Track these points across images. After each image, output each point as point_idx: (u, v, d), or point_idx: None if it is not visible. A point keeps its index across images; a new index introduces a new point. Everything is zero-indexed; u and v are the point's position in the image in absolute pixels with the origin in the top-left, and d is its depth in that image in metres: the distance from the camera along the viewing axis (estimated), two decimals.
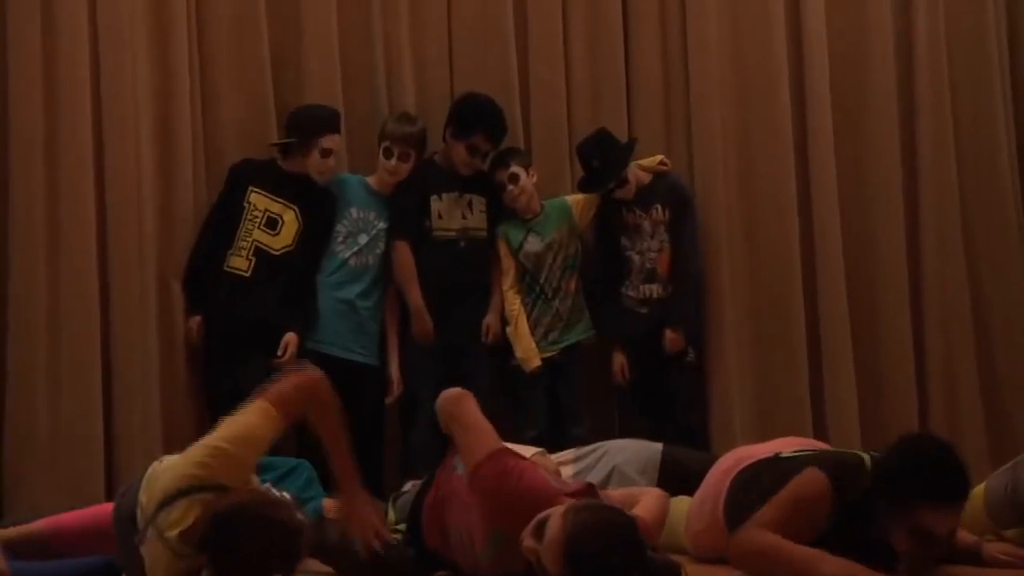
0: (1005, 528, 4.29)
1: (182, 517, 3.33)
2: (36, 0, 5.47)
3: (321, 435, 3.69)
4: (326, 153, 5.68)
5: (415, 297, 5.71)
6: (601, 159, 5.84)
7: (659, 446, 5.05)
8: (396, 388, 5.73)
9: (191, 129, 5.72)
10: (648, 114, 6.23)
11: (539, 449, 4.66)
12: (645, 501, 3.90)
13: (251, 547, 3.11)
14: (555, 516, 3.30)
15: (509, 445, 4.75)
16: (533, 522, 3.35)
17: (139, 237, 5.56)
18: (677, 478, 4.71)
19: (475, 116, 5.83)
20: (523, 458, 3.82)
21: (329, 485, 5.12)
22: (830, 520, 3.65)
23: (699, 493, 4.27)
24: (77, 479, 5.33)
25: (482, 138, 5.82)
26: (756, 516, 3.72)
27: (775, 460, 4.00)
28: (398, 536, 4.01)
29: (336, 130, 5.72)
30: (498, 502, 3.54)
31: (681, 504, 4.33)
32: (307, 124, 5.69)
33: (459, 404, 3.82)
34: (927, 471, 3.53)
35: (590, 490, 3.73)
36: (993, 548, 3.90)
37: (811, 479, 3.70)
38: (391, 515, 4.20)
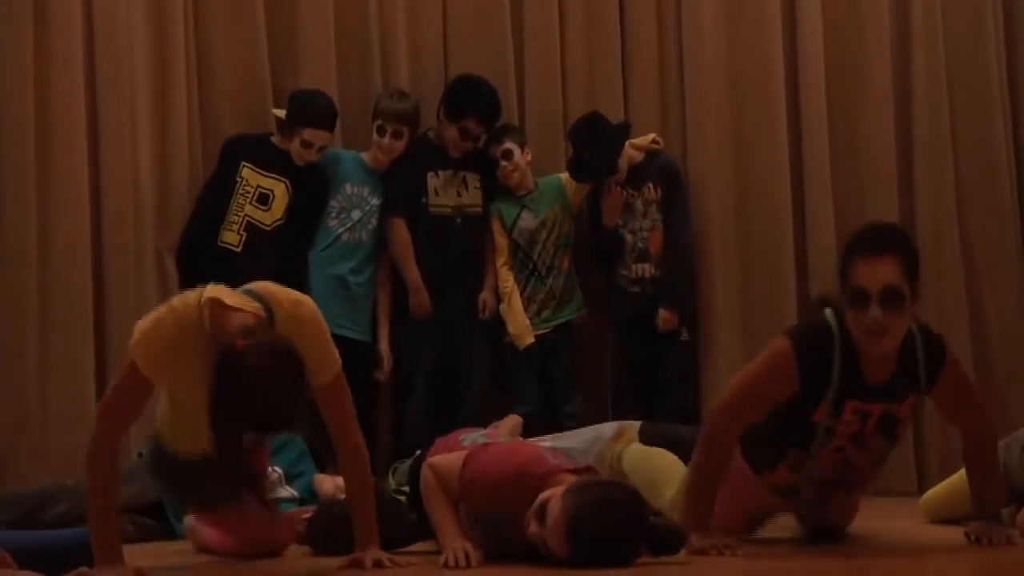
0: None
1: (234, 297, 3.42)
2: None
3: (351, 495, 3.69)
4: (306, 144, 5.66)
5: (413, 273, 5.71)
6: (592, 151, 5.80)
7: (637, 423, 5.12)
8: (387, 364, 5.73)
9: (187, 105, 5.73)
10: (643, 95, 6.22)
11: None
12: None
13: (252, 385, 3.15)
14: (555, 498, 3.29)
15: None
16: (535, 506, 3.34)
17: (135, 213, 5.58)
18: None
19: (468, 100, 5.82)
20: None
21: (319, 460, 5.16)
22: (803, 376, 3.63)
23: None
24: (69, 460, 5.31)
25: (474, 122, 5.81)
26: (729, 384, 3.79)
27: None
28: (401, 499, 4.00)
29: (321, 126, 5.67)
30: (499, 488, 3.51)
31: (662, 459, 4.32)
32: (295, 110, 5.71)
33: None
34: (852, 237, 3.65)
35: (589, 470, 3.72)
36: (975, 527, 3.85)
37: (774, 345, 3.70)
38: (391, 483, 4.20)
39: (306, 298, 3.57)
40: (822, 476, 3.79)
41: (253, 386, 3.13)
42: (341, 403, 3.55)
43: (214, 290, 3.41)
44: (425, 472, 3.66)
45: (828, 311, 3.69)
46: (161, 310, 3.40)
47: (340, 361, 3.56)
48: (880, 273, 3.50)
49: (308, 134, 5.65)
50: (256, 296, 3.45)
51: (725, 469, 3.72)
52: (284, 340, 3.28)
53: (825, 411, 3.66)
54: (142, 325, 3.39)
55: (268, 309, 3.42)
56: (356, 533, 3.59)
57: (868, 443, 3.75)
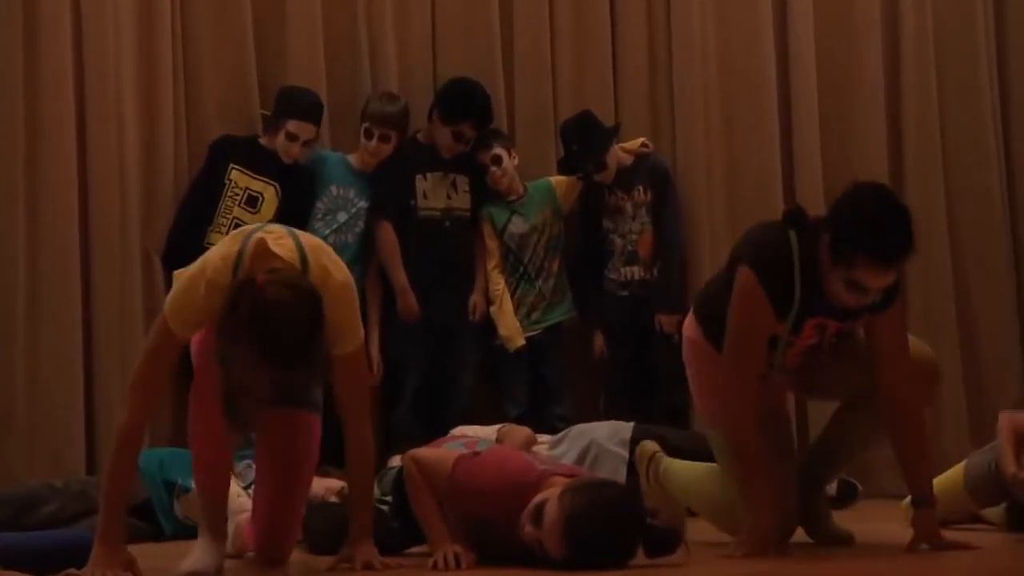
0: (985, 507, 4.31)
1: (279, 236, 3.36)
2: None
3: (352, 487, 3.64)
4: (291, 137, 5.65)
5: (400, 277, 5.69)
6: (581, 143, 5.83)
7: (631, 424, 5.14)
8: (376, 369, 5.71)
9: (173, 105, 5.72)
10: (633, 98, 6.23)
11: (501, 425, 4.64)
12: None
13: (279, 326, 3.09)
14: (552, 499, 3.28)
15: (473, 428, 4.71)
16: (530, 508, 3.32)
17: (122, 212, 5.57)
18: None
19: (464, 103, 5.81)
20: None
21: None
22: (770, 298, 3.63)
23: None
24: (57, 454, 5.34)
25: (469, 125, 5.80)
26: (724, 347, 3.72)
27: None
28: (384, 508, 3.98)
29: (306, 118, 5.67)
30: (488, 496, 3.50)
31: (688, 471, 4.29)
32: (280, 103, 5.71)
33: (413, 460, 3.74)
34: (868, 230, 3.46)
35: (577, 475, 3.71)
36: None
37: (739, 278, 3.66)
38: (376, 491, 4.19)
39: (343, 265, 3.47)
40: (789, 366, 3.83)
41: (266, 315, 3.07)
42: (356, 380, 3.52)
43: (264, 233, 3.36)
44: (408, 465, 3.63)
45: (792, 236, 3.63)
46: (193, 273, 3.30)
47: (363, 338, 3.53)
48: (886, 281, 3.50)
49: (293, 126, 5.63)
50: (299, 247, 3.37)
51: (760, 434, 3.67)
52: (307, 281, 3.23)
53: (785, 329, 3.68)
54: (175, 293, 3.31)
55: (304, 261, 3.34)
56: (350, 526, 3.57)
57: (825, 349, 3.80)
